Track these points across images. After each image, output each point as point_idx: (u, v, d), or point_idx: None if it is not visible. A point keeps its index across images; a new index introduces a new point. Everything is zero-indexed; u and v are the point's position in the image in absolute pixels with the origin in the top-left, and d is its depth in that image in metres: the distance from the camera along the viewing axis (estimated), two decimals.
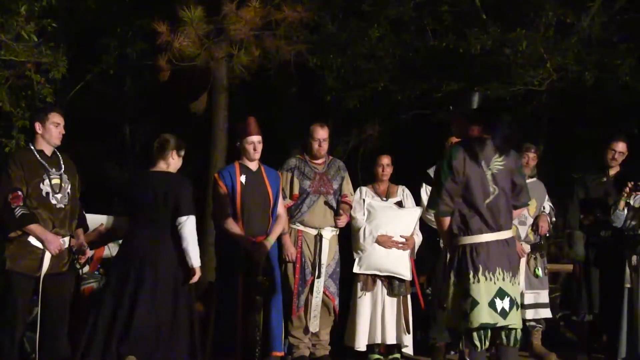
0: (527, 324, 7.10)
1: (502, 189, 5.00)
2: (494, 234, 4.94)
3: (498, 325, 4.89)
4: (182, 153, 5.87)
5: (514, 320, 4.94)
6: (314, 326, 6.69)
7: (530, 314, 7.07)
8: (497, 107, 5.48)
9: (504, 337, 4.98)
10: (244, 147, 6.23)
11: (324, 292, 6.70)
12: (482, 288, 4.87)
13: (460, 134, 5.23)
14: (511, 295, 4.92)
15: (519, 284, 5.12)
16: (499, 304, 4.87)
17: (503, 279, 4.91)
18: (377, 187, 7.05)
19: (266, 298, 6.11)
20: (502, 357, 5.02)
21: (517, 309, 4.98)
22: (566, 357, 7.15)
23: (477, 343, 4.91)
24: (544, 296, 7.13)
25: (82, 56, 10.38)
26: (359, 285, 6.81)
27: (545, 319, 7.20)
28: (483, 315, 4.85)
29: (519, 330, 5.03)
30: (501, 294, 4.89)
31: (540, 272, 7.11)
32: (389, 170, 7.05)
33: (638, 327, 6.58)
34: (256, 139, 6.21)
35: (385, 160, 7.05)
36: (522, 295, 7.01)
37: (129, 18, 10.75)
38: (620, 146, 7.11)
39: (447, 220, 5.02)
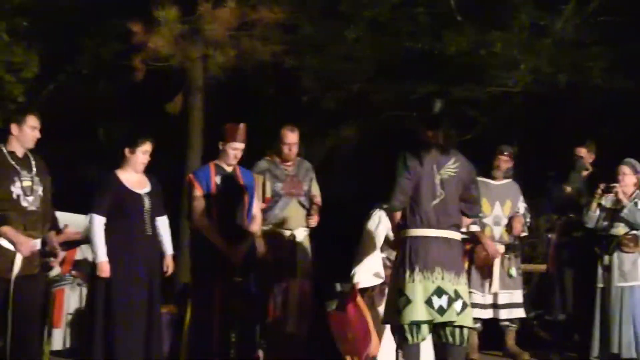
0: (501, 323, 7.15)
1: (450, 195, 5.24)
2: (433, 230, 5.18)
3: (435, 321, 5.12)
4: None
5: (454, 318, 5.13)
6: (291, 327, 6.69)
7: (504, 313, 7.09)
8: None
9: (448, 335, 5.18)
10: (226, 151, 6.21)
11: (299, 292, 6.69)
12: (418, 287, 5.11)
13: (421, 137, 5.41)
14: (450, 294, 5.12)
15: (465, 283, 5.30)
16: (437, 302, 5.09)
17: (442, 278, 5.13)
18: None
19: (242, 300, 6.09)
20: (447, 355, 5.23)
21: (463, 308, 5.17)
22: (539, 356, 7.19)
23: (408, 336, 5.13)
24: (517, 296, 7.16)
25: (55, 56, 10.32)
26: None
27: (519, 319, 7.24)
28: (416, 312, 5.09)
29: (465, 330, 5.21)
30: (439, 292, 5.11)
31: (514, 272, 7.14)
32: None
33: (610, 327, 6.63)
34: (240, 146, 6.21)
35: None
36: (495, 295, 7.07)
37: (103, 18, 10.69)
38: (579, 151, 7.25)
39: (397, 215, 5.30)
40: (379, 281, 6.21)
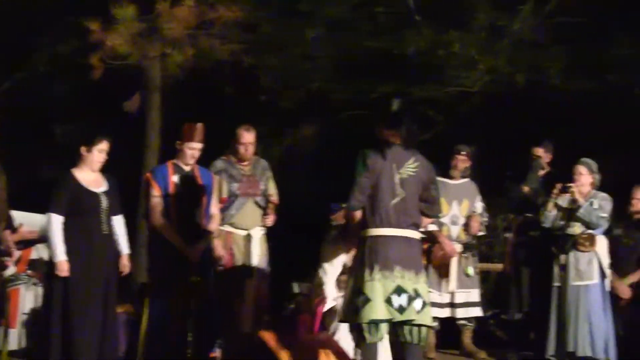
0: (458, 322, 7.19)
1: (409, 194, 5.23)
2: (394, 229, 5.16)
3: (394, 320, 5.10)
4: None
5: (413, 316, 5.12)
6: (247, 327, 6.67)
7: (461, 312, 7.14)
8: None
9: (407, 334, 5.17)
10: (183, 151, 6.18)
11: (256, 292, 6.68)
12: (378, 286, 5.08)
13: (381, 136, 5.40)
14: (410, 292, 5.11)
15: (424, 282, 5.28)
16: (396, 300, 5.07)
17: (402, 277, 5.12)
18: None
19: (200, 299, 6.06)
20: (406, 354, 5.21)
21: (422, 307, 5.15)
22: (496, 355, 7.24)
23: (367, 335, 5.10)
24: (474, 295, 7.21)
25: (11, 54, 10.20)
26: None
27: (476, 318, 7.29)
28: (375, 311, 5.06)
29: (423, 329, 5.20)
30: (399, 290, 5.09)
31: (471, 271, 7.19)
32: None
33: (566, 325, 6.69)
34: (197, 146, 6.18)
35: None
36: (453, 294, 7.11)
37: (60, 15, 10.57)
38: (536, 151, 7.35)
39: (357, 214, 5.29)
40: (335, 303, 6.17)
